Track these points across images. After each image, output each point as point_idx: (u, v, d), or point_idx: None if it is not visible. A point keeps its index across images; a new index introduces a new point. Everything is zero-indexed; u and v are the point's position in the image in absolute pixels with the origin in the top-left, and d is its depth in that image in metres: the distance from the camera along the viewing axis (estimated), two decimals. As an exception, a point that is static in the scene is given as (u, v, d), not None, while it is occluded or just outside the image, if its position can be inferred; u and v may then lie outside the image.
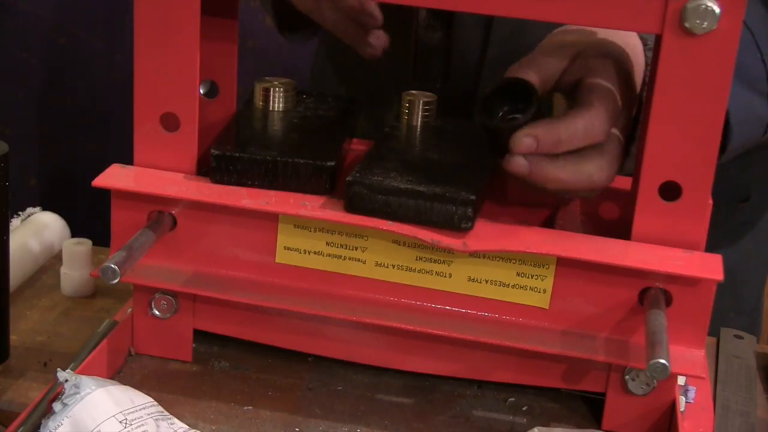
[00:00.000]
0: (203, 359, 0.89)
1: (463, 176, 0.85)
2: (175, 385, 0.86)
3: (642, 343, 0.78)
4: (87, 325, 0.94)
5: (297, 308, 0.84)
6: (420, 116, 0.93)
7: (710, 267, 0.78)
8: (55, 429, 0.73)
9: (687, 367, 0.79)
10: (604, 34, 0.88)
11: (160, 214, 0.84)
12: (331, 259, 0.84)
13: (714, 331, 0.94)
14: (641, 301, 0.80)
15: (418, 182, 0.81)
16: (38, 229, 1.05)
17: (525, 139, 0.80)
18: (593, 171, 0.82)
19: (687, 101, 0.76)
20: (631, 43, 0.88)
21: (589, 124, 0.80)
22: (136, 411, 0.75)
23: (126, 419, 0.74)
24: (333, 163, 0.84)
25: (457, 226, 0.80)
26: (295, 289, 0.85)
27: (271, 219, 0.84)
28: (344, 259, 0.84)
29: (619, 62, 0.85)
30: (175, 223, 0.85)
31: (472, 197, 0.79)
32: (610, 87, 0.83)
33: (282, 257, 0.85)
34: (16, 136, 1.91)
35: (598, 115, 0.81)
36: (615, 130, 0.84)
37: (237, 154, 0.84)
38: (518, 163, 0.80)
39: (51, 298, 0.99)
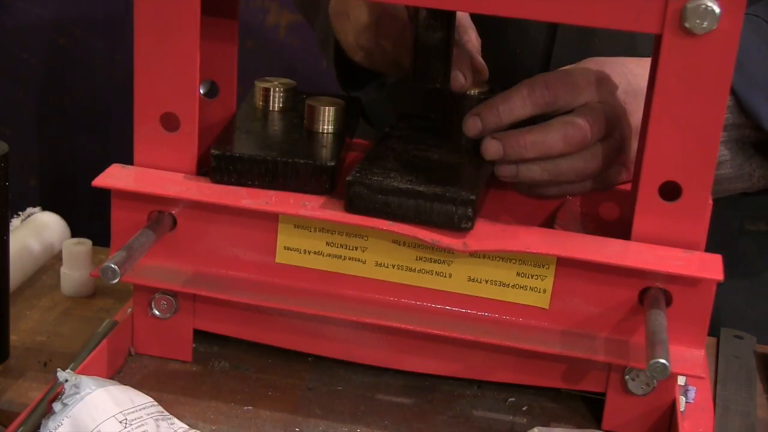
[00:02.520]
0: (203, 359, 0.89)
1: (463, 176, 0.85)
2: (175, 385, 0.86)
3: (642, 343, 0.78)
4: (87, 325, 0.94)
5: (297, 308, 0.84)
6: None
7: (710, 267, 0.78)
8: (55, 429, 0.73)
9: (687, 367, 0.79)
10: (623, 72, 0.90)
11: (160, 214, 0.84)
12: (331, 259, 0.84)
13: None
14: (641, 301, 0.80)
15: (418, 182, 0.81)
16: (38, 229, 1.05)
17: (470, 119, 0.87)
18: (564, 126, 0.85)
19: (687, 101, 0.76)
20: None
21: (525, 92, 0.86)
22: (136, 411, 0.75)
23: (126, 419, 0.74)
24: (333, 163, 0.84)
25: (457, 226, 0.80)
26: (295, 289, 0.85)
27: (271, 219, 0.84)
28: (344, 259, 0.84)
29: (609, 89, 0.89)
30: (175, 223, 0.85)
31: (472, 197, 0.79)
32: (571, 78, 0.87)
33: (282, 257, 0.85)
34: (16, 136, 1.91)
35: (534, 86, 0.86)
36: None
37: (237, 154, 0.84)
38: (491, 144, 0.86)
39: (51, 298, 0.99)
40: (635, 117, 0.88)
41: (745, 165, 0.96)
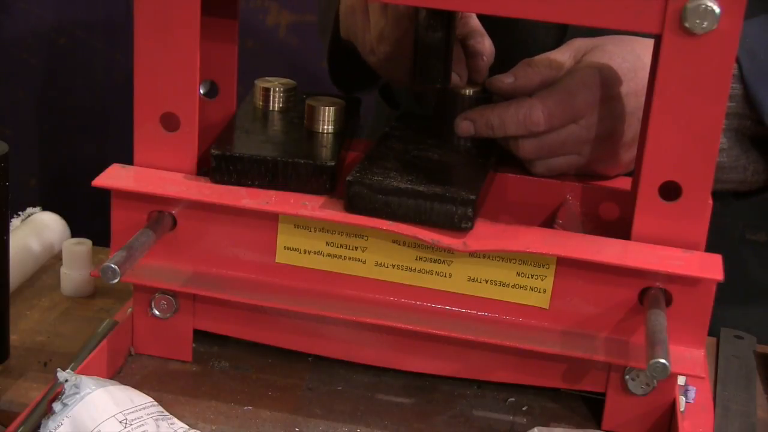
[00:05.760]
0: (203, 359, 0.89)
1: (463, 176, 0.85)
2: (175, 385, 0.86)
3: (642, 343, 0.78)
4: (87, 325, 0.94)
5: (297, 308, 0.84)
6: None
7: (710, 267, 0.78)
8: (55, 429, 0.73)
9: (687, 367, 0.79)
10: (614, 45, 0.90)
11: (160, 214, 0.84)
12: (331, 259, 0.84)
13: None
14: (641, 301, 0.80)
15: (418, 182, 0.81)
16: (38, 229, 1.05)
17: (463, 122, 0.90)
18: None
19: (687, 101, 0.76)
20: (643, 61, 0.89)
21: (523, 113, 0.87)
22: (136, 411, 0.75)
23: (126, 419, 0.74)
24: (333, 163, 0.84)
25: (457, 226, 0.80)
26: (295, 289, 0.85)
27: (271, 219, 0.84)
28: (344, 259, 0.84)
29: (604, 74, 0.89)
30: (175, 223, 0.85)
31: (472, 197, 0.79)
32: (570, 89, 0.88)
33: (282, 257, 0.85)
34: (16, 136, 1.91)
35: (532, 106, 0.87)
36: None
37: (237, 154, 0.84)
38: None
39: (51, 298, 0.99)
40: (633, 112, 0.88)
41: (741, 157, 0.97)
